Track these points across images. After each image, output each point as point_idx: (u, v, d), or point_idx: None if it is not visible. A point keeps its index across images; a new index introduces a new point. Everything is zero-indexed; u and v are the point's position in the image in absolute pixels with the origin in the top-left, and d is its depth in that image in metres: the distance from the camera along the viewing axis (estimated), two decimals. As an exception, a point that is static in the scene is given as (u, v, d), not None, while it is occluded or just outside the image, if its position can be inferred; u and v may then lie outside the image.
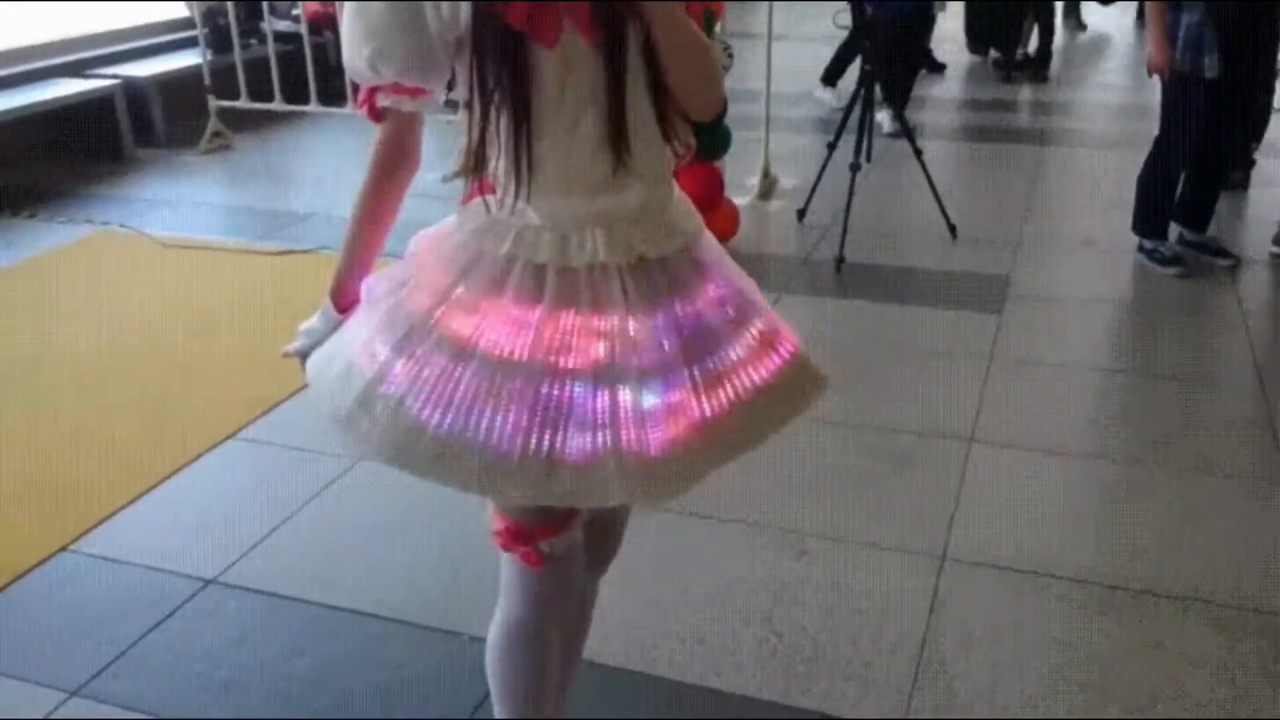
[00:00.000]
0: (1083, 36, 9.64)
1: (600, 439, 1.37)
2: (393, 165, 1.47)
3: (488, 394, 1.37)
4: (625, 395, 1.38)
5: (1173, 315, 3.94)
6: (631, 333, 1.40)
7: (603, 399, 1.37)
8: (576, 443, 1.37)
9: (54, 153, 5.95)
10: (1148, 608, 2.36)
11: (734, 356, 1.49)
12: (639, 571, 2.41)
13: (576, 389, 1.37)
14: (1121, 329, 4.01)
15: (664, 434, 1.40)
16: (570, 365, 1.38)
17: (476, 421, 1.37)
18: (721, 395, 1.46)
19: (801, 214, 4.84)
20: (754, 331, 1.52)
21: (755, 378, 1.50)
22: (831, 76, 6.64)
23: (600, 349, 1.39)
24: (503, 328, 1.39)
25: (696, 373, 1.44)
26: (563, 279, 1.40)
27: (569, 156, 1.39)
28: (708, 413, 1.44)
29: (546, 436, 1.36)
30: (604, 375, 1.38)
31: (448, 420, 1.37)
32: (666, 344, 1.42)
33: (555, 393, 1.37)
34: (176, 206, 5.23)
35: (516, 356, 1.37)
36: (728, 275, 1.54)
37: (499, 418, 1.36)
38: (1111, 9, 9.12)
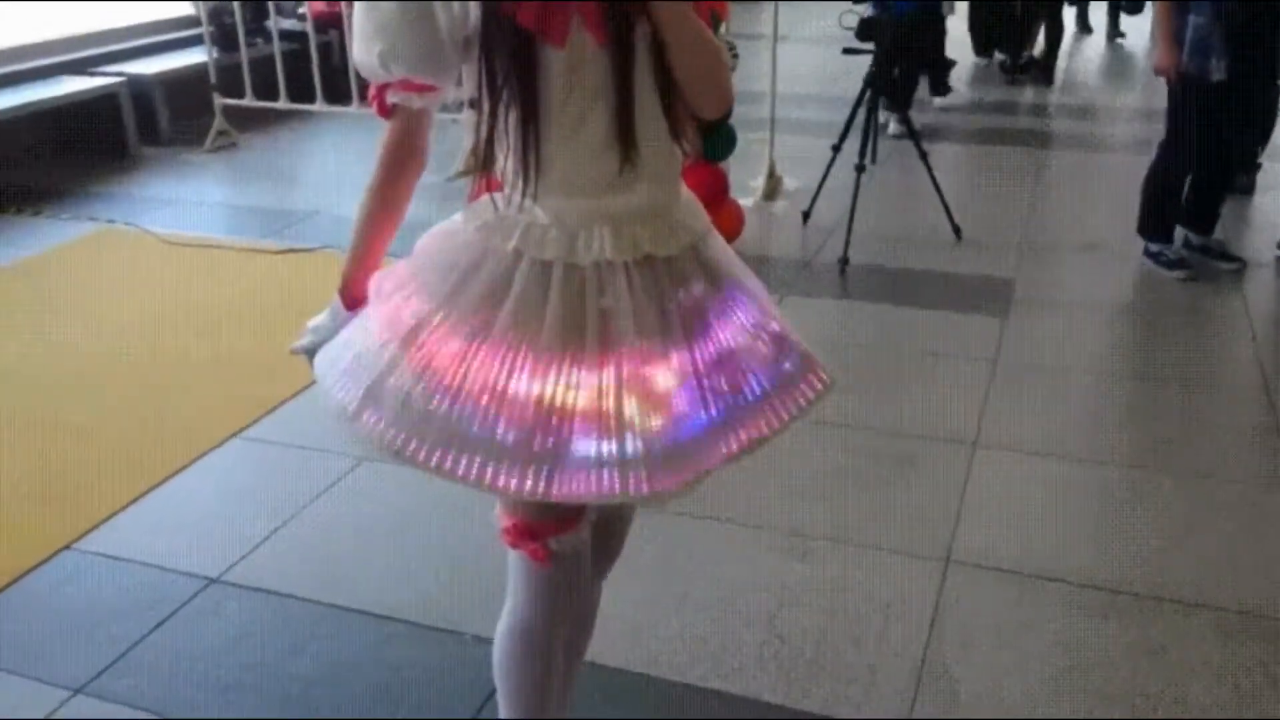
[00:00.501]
0: (1087, 39, 9.62)
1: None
2: (401, 162, 1.48)
3: (494, 389, 1.37)
4: (630, 391, 1.38)
5: (1178, 319, 3.94)
6: (636, 333, 1.39)
7: (607, 393, 1.38)
8: (580, 434, 1.37)
9: (59, 150, 5.96)
10: (1151, 612, 2.35)
11: (735, 347, 1.49)
12: (641, 573, 2.41)
13: (581, 391, 1.38)
14: (1126, 333, 4.00)
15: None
16: (575, 366, 1.38)
17: (483, 418, 1.37)
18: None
19: (806, 215, 4.84)
20: (755, 325, 1.52)
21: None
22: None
23: (606, 352, 1.38)
24: (506, 330, 1.39)
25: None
26: (569, 276, 1.40)
27: (576, 155, 1.40)
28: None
29: (552, 433, 1.37)
30: (609, 376, 1.38)
31: (453, 416, 1.37)
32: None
33: (560, 389, 1.37)
34: (181, 205, 5.24)
35: (521, 358, 1.38)
36: (740, 281, 1.54)
37: (505, 413, 1.37)
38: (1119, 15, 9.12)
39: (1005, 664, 2.21)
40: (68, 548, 2.61)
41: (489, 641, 1.68)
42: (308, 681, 2.19)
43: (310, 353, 1.56)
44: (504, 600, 1.63)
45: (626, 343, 1.39)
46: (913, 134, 4.71)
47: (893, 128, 6.11)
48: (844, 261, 4.30)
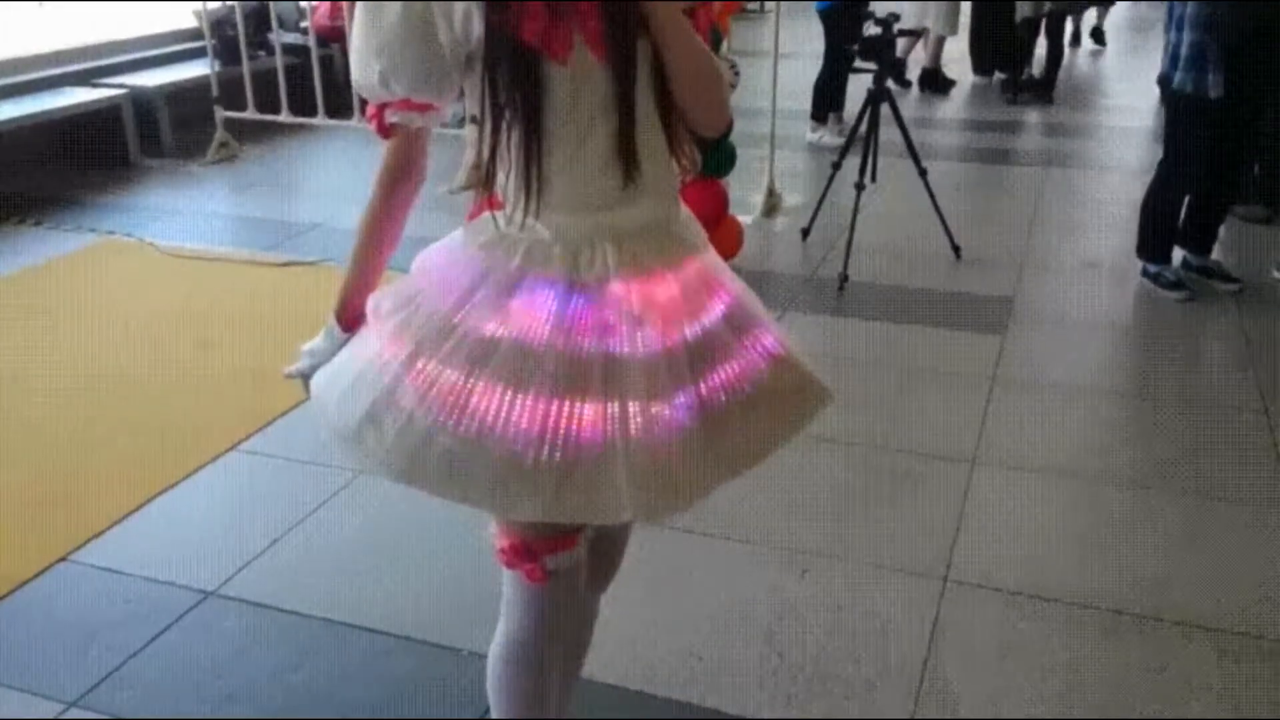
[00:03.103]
0: (1086, 55, 9.65)
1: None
2: (400, 180, 1.47)
3: (499, 409, 1.36)
4: (634, 406, 1.38)
5: (1176, 339, 3.94)
6: (640, 349, 1.39)
7: (612, 408, 1.37)
8: (586, 451, 1.37)
9: (61, 161, 5.97)
10: (1151, 632, 2.35)
11: (733, 363, 1.49)
12: (639, 589, 2.40)
13: (586, 408, 1.37)
14: (1125, 352, 4.00)
15: (672, 432, 1.40)
16: (580, 383, 1.37)
17: (487, 436, 1.36)
18: (721, 394, 1.47)
19: (806, 232, 4.85)
20: (753, 340, 1.53)
21: (753, 375, 1.50)
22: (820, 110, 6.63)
23: (610, 368, 1.38)
24: (510, 349, 1.38)
25: (703, 387, 1.45)
26: (572, 292, 1.39)
27: (578, 172, 1.40)
28: (707, 404, 1.44)
29: (558, 452, 1.36)
30: (612, 391, 1.38)
31: (458, 435, 1.36)
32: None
33: (566, 410, 1.37)
34: (182, 216, 5.24)
35: (526, 375, 1.37)
36: (738, 296, 1.54)
37: (510, 433, 1.36)
38: (1122, 33, 9.16)
39: (1004, 683, 2.20)
40: (64, 559, 2.60)
41: (485, 656, 1.67)
42: (305, 695, 2.18)
43: (305, 376, 1.54)
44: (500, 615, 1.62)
45: (629, 359, 1.38)
46: (912, 151, 4.72)
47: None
48: (843, 278, 4.30)
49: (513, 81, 1.34)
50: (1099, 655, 2.28)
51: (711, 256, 1.56)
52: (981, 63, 8.46)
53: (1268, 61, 3.91)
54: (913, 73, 8.06)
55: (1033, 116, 7.52)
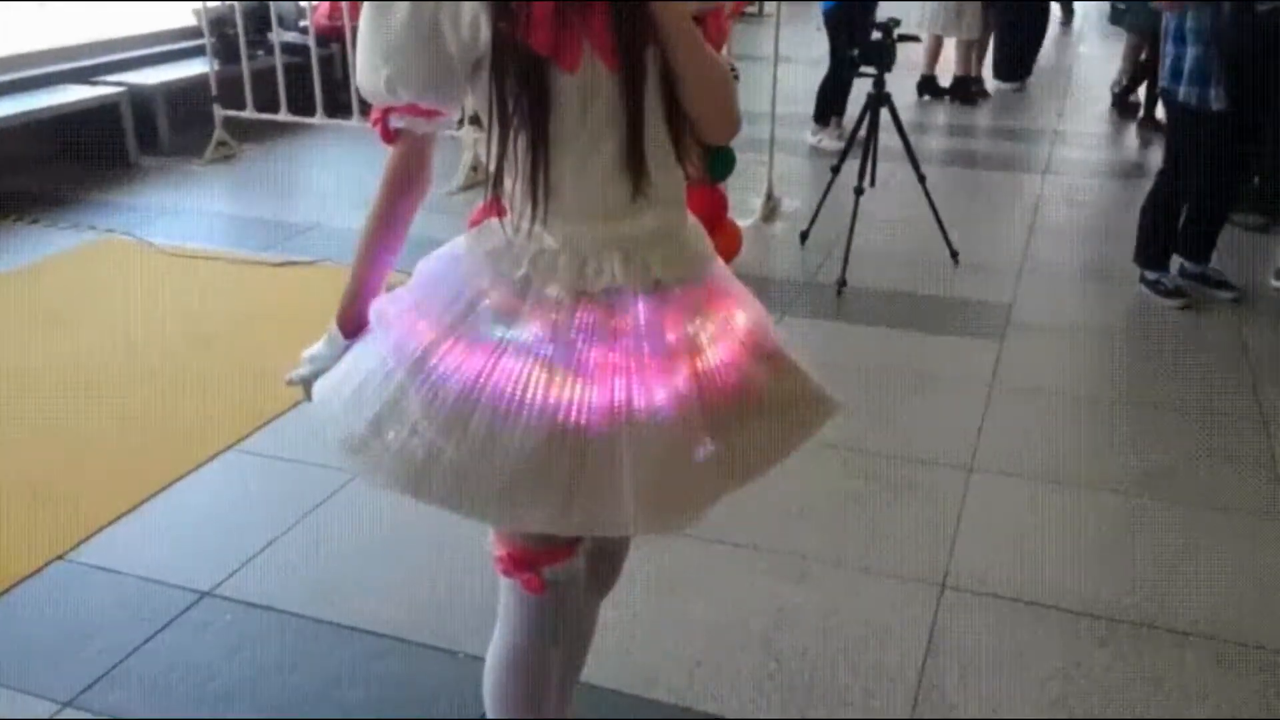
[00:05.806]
0: (1084, 61, 9.65)
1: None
2: (405, 186, 1.45)
3: (505, 420, 1.34)
4: (640, 415, 1.37)
5: (1174, 347, 3.94)
6: (647, 360, 1.39)
7: (618, 415, 1.36)
8: (593, 463, 1.36)
9: (59, 159, 5.96)
10: (1147, 641, 2.35)
11: (737, 371, 1.48)
12: (637, 593, 2.40)
13: (593, 415, 1.36)
14: (1122, 359, 4.00)
15: (678, 441, 1.39)
16: (587, 395, 1.36)
17: (494, 449, 1.34)
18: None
19: (804, 236, 4.85)
20: (758, 349, 1.52)
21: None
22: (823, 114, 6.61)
23: (617, 380, 1.37)
24: (516, 358, 1.37)
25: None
26: (579, 303, 1.38)
27: (587, 181, 1.38)
28: (710, 408, 1.44)
29: (564, 461, 1.34)
30: (619, 399, 1.37)
31: (465, 447, 1.34)
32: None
33: (572, 418, 1.35)
34: (180, 215, 5.23)
35: (533, 386, 1.35)
36: (741, 302, 1.54)
37: (516, 445, 1.34)
38: (1110, 40, 9.15)
39: (1001, 690, 2.20)
40: (60, 558, 2.59)
41: (482, 660, 1.67)
42: (300, 696, 2.18)
43: (307, 382, 1.52)
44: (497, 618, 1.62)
45: (637, 370, 1.37)
46: (911, 156, 4.72)
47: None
48: (841, 283, 4.30)
49: (521, 90, 1.32)
50: (1095, 663, 2.28)
51: (718, 265, 1.56)
52: (1007, 68, 8.33)
53: (1270, 74, 3.91)
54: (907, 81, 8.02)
55: (1033, 123, 7.52)
